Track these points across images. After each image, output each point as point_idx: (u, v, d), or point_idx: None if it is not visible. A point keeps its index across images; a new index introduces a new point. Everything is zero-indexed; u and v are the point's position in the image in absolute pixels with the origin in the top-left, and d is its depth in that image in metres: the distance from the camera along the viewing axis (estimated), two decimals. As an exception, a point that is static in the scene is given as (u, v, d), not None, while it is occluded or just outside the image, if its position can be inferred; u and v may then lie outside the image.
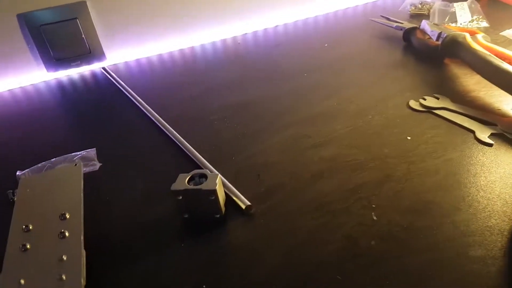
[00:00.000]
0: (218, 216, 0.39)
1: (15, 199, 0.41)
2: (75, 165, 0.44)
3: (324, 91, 0.59)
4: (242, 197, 0.40)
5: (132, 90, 0.67)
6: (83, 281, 0.32)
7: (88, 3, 0.76)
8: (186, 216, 0.39)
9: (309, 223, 0.36)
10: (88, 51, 0.79)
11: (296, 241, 0.35)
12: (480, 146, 0.43)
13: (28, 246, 0.35)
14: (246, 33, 0.87)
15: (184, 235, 0.38)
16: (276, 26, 0.89)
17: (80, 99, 0.70)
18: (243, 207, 0.39)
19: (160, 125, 0.56)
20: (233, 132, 0.52)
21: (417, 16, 0.86)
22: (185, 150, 0.49)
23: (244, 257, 0.34)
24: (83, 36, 0.77)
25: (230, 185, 0.42)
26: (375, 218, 0.36)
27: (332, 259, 0.33)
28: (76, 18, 0.75)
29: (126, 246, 0.37)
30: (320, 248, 0.34)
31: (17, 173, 0.50)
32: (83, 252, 0.34)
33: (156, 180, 0.45)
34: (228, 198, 0.41)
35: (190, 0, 0.82)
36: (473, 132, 0.46)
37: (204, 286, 0.32)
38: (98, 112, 0.64)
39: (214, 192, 0.37)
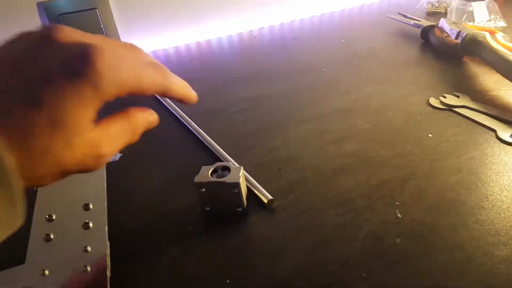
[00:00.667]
0: (240, 209, 0.39)
1: (37, 188, 0.41)
2: (96, 155, 0.44)
3: (343, 86, 0.59)
4: (264, 191, 0.40)
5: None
6: (108, 273, 0.32)
7: (106, -7, 0.76)
8: (208, 208, 0.39)
9: (332, 219, 0.36)
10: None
11: (320, 237, 0.35)
12: (502, 145, 0.43)
13: (51, 236, 0.35)
14: (262, 27, 0.87)
15: (206, 228, 0.38)
16: (293, 21, 0.89)
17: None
18: (265, 201, 0.39)
19: (179, 117, 0.56)
20: (252, 125, 0.52)
21: (434, 14, 0.85)
22: (205, 143, 0.49)
23: (267, 252, 0.34)
24: (101, 25, 0.77)
25: (251, 178, 0.42)
26: (399, 215, 0.35)
27: (357, 256, 0.32)
28: (95, 8, 0.75)
29: (148, 238, 0.37)
30: (345, 245, 0.34)
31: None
32: (108, 243, 0.34)
33: (176, 172, 0.46)
34: (249, 191, 0.41)
35: (207, -7, 0.82)
36: (494, 131, 0.46)
37: (227, 281, 0.32)
38: (115, 102, 0.64)
39: (237, 185, 0.37)
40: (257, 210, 0.39)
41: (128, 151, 0.50)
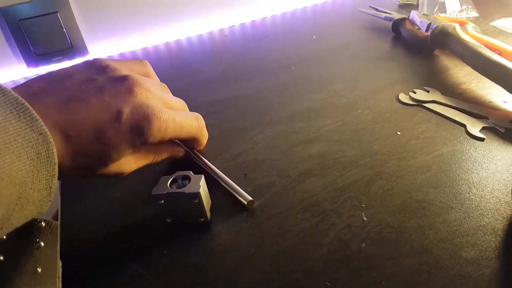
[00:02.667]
0: (202, 220, 0.37)
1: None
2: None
3: (312, 84, 0.57)
4: (243, 193, 0.38)
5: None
6: (59, 294, 0.30)
7: (68, -4, 0.73)
8: (169, 220, 0.38)
9: (298, 225, 0.35)
10: (69, 46, 0.76)
11: (285, 244, 0.33)
12: (472, 141, 0.42)
13: (1, 258, 0.33)
14: (233, 25, 0.85)
15: (167, 240, 0.36)
16: (264, 17, 0.87)
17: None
18: (245, 203, 0.37)
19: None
20: (219, 129, 0.50)
21: (406, 6, 0.85)
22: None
23: (231, 263, 0.33)
24: (64, 30, 0.74)
25: (229, 180, 0.40)
26: (365, 219, 0.34)
27: (322, 263, 0.31)
28: (56, 12, 0.72)
29: (104, 252, 0.36)
30: (310, 252, 0.32)
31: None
32: (59, 263, 0.32)
33: (140, 182, 0.44)
34: (228, 194, 0.39)
35: (174, -8, 0.80)
36: (464, 126, 0.45)
37: (188, 295, 0.31)
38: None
39: (197, 195, 0.35)
40: (222, 220, 0.37)
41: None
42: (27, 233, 0.34)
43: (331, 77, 0.59)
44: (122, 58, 0.77)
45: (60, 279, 0.31)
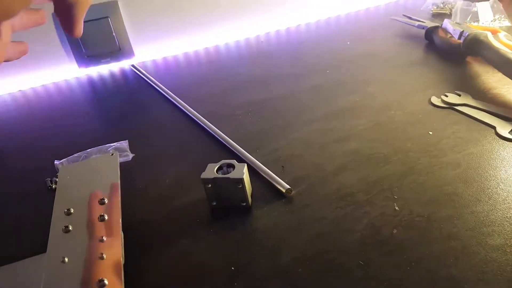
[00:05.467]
0: (244, 204, 0.41)
1: (57, 185, 0.44)
2: (112, 155, 0.47)
3: (347, 87, 0.61)
4: (281, 181, 0.42)
5: (160, 85, 0.70)
6: (122, 260, 0.34)
7: (119, 3, 0.79)
8: (214, 203, 0.41)
9: (333, 213, 0.38)
10: (118, 49, 0.82)
11: (321, 229, 0.37)
12: (501, 141, 0.44)
13: (70, 228, 0.38)
14: (269, 32, 0.89)
15: (213, 221, 0.40)
16: (299, 25, 0.91)
17: (111, 94, 0.73)
18: (283, 190, 0.41)
19: (194, 117, 0.58)
20: (257, 126, 0.54)
21: (439, 15, 0.86)
22: (219, 138, 0.52)
23: (270, 243, 0.36)
24: (113, 34, 0.80)
25: (267, 170, 0.44)
26: (397, 208, 0.37)
27: (355, 246, 0.34)
28: (107, 17, 0.79)
29: (159, 230, 0.40)
30: (344, 236, 0.35)
31: (55, 162, 0.53)
32: (122, 234, 0.37)
33: (187, 169, 0.48)
34: (265, 183, 0.43)
35: (215, 1, 0.85)
36: (494, 127, 0.47)
37: (232, 268, 0.34)
38: (129, 105, 0.68)
39: (241, 180, 0.39)
40: (261, 205, 0.41)
41: (140, 150, 0.53)
42: (93, 207, 0.39)
43: (365, 80, 0.62)
44: (165, 62, 0.83)
45: (123, 247, 0.36)
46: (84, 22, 0.83)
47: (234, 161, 0.41)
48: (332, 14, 0.94)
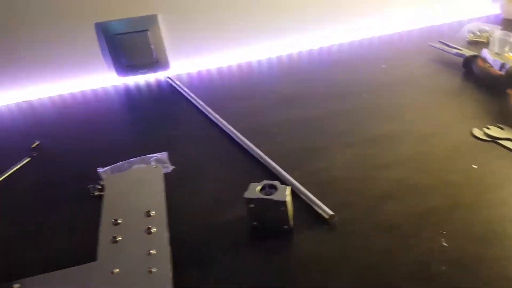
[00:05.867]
0: (286, 227, 0.41)
1: (102, 193, 0.45)
2: (155, 167, 0.48)
3: (385, 112, 0.61)
4: (324, 206, 0.42)
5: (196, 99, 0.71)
6: (170, 274, 0.35)
7: (159, 17, 0.81)
8: (255, 224, 0.42)
9: (380, 244, 0.38)
10: (155, 60, 0.84)
11: (368, 261, 0.36)
12: (548, 180, 0.44)
13: (118, 238, 0.38)
14: (300, 51, 0.90)
15: (255, 241, 0.40)
16: (331, 45, 0.92)
17: (147, 104, 0.75)
18: (326, 217, 0.41)
19: (229, 132, 0.59)
20: (294, 145, 0.55)
21: (475, 43, 0.86)
22: (257, 157, 0.53)
23: (315, 273, 0.36)
24: (152, 46, 0.82)
25: (309, 193, 0.44)
26: (445, 244, 0.37)
27: (405, 282, 0.34)
28: (147, 30, 0.81)
29: (200, 244, 0.40)
30: (392, 270, 0.35)
31: (99, 169, 0.54)
32: (169, 248, 0.37)
33: (226, 186, 0.48)
34: (306, 206, 0.43)
35: (251, 19, 0.86)
36: (540, 165, 0.46)
37: (278, 292, 0.34)
38: (165, 116, 0.69)
39: (284, 203, 0.39)
40: (303, 229, 0.41)
41: (178, 163, 0.54)
42: (140, 220, 0.40)
43: (403, 107, 0.62)
44: (199, 75, 0.85)
45: (170, 261, 0.36)
46: (125, 33, 0.85)
47: (277, 183, 0.41)
48: (366, 36, 0.94)
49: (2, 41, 0.78)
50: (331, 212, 0.41)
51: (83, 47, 0.81)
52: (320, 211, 0.42)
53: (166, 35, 0.84)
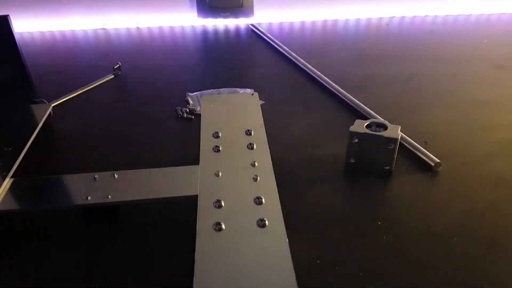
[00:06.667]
0: (387, 168, 0.39)
1: (201, 111, 0.45)
2: (252, 94, 0.48)
3: (488, 81, 0.57)
4: (429, 154, 0.40)
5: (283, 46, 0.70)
6: (275, 183, 0.34)
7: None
8: (353, 161, 0.41)
9: (485, 195, 0.36)
10: (239, 5, 0.83)
11: (475, 207, 0.35)
12: None
13: (220, 148, 0.38)
14: (393, 17, 0.86)
15: (351, 177, 0.39)
16: (426, 16, 0.87)
17: (230, 47, 0.75)
18: (432, 164, 0.39)
19: (320, 80, 0.58)
20: (390, 100, 0.53)
21: None
22: (350, 102, 0.52)
23: (419, 209, 0.35)
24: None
25: (412, 141, 0.42)
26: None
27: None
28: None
29: (294, 171, 0.40)
30: (502, 218, 0.33)
31: (188, 94, 0.55)
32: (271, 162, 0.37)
33: (314, 126, 0.48)
34: (408, 153, 0.42)
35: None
36: None
37: (379, 223, 0.33)
38: (250, 60, 0.69)
39: (395, 141, 0.38)
40: (405, 173, 0.39)
41: (270, 96, 0.53)
42: (240, 136, 0.40)
43: (507, 78, 0.58)
44: (280, 26, 0.83)
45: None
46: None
47: (386, 121, 0.40)
48: (465, 12, 0.89)
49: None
50: (437, 160, 0.39)
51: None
52: (425, 158, 0.40)
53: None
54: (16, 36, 0.56)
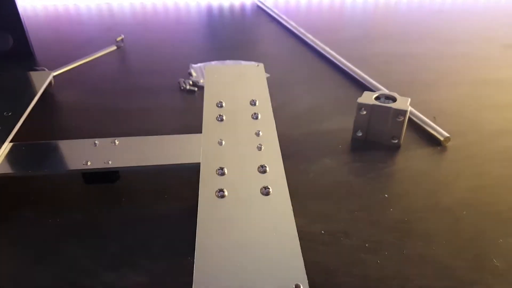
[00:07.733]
0: (396, 141, 0.38)
1: (204, 81, 0.44)
2: (257, 65, 0.46)
3: (497, 62, 0.56)
4: (439, 128, 0.39)
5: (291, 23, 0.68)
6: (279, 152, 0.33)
7: None
8: (360, 134, 0.40)
9: (497, 170, 0.35)
10: (246, -19, 0.81)
11: (484, 182, 0.34)
12: None
13: (224, 117, 0.37)
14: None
15: (357, 151, 0.38)
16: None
17: (235, 23, 0.73)
18: (441, 138, 0.38)
19: (328, 56, 0.57)
20: (400, 77, 0.51)
21: None
22: (359, 78, 0.50)
23: (427, 183, 0.34)
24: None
25: (422, 116, 0.41)
26: None
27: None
28: None
29: (299, 145, 0.39)
30: (510, 193, 0.32)
31: (192, 65, 0.54)
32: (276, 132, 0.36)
33: (322, 99, 0.47)
34: (416, 128, 0.41)
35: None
36: None
37: (386, 195, 0.33)
38: (256, 35, 0.67)
39: (404, 113, 0.37)
40: (414, 147, 0.38)
41: (272, 73, 0.52)
42: (245, 106, 0.39)
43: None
44: (287, 5, 0.81)
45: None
46: None
47: (395, 94, 0.39)
48: None
49: None
50: (446, 134, 0.38)
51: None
52: (434, 132, 0.39)
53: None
54: (18, 5, 0.55)
